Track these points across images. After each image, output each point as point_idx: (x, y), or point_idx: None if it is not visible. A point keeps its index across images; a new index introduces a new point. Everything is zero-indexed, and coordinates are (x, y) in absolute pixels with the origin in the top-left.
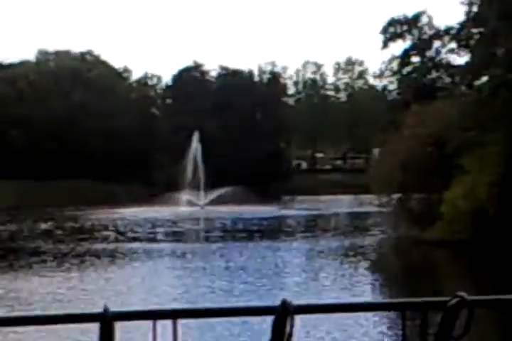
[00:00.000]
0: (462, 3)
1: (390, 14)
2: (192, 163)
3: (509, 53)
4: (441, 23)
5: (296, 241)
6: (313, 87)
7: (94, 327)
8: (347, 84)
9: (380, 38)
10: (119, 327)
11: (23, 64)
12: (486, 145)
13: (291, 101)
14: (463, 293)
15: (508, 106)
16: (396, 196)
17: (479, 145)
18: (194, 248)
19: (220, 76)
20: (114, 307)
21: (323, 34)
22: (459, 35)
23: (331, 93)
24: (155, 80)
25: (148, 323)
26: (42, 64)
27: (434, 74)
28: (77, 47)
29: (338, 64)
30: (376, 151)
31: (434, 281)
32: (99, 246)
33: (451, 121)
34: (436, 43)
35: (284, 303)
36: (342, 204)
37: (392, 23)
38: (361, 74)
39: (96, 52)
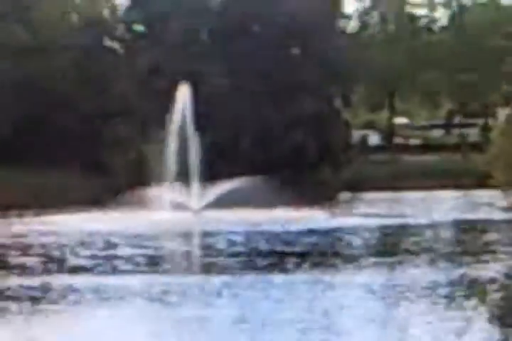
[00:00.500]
0: None
1: None
2: (177, 136)
3: None
4: None
5: (363, 273)
6: (390, 0)
7: None
8: None
9: None
10: None
11: None
12: None
13: (352, 26)
14: None
15: None
16: None
17: None
18: (183, 283)
19: None
20: None
21: None
22: None
23: (421, 12)
24: None
25: None
26: None
27: None
28: None
29: None
30: (502, 114)
31: None
32: (15, 281)
33: None
34: None
35: None
36: (441, 206)
37: None
38: None
39: None
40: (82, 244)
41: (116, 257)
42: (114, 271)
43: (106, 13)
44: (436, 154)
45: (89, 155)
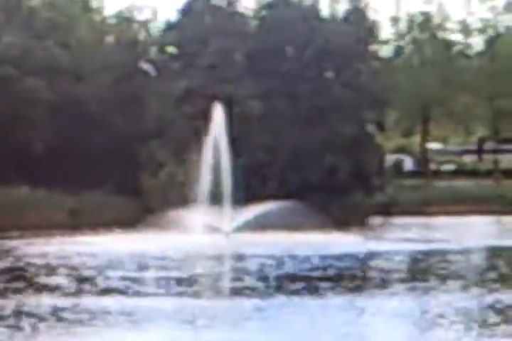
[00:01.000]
0: None
1: None
2: (210, 158)
3: None
4: None
5: (396, 297)
6: (424, 26)
7: None
8: (485, 21)
9: None
10: None
11: None
12: None
13: (386, 51)
14: None
15: None
16: None
17: None
18: (214, 307)
19: (261, 7)
20: None
21: None
22: None
23: (455, 37)
24: (145, 14)
25: None
26: None
27: None
28: None
29: None
30: None
31: None
32: (45, 301)
33: None
34: None
35: None
36: (475, 231)
37: None
38: None
39: None
40: (115, 264)
41: (147, 279)
42: (145, 293)
43: (141, 35)
44: (469, 179)
45: (123, 177)
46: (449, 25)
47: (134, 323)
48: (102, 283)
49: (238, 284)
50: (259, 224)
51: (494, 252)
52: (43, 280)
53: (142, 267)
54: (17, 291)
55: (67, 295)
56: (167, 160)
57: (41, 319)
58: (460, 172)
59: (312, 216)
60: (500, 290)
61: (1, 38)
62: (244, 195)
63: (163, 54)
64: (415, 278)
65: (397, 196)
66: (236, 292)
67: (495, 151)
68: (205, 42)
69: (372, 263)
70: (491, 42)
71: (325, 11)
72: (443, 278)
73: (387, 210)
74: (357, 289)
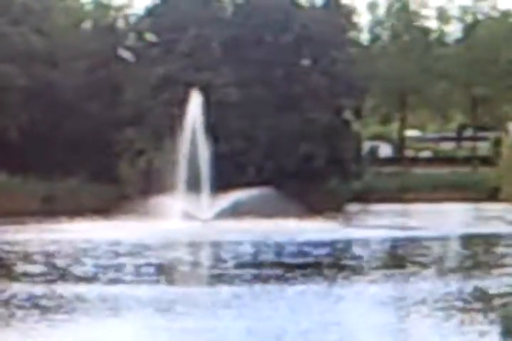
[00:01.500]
0: None
1: None
2: (188, 145)
3: None
4: None
5: (373, 284)
6: (402, 13)
7: None
8: (463, 9)
9: None
10: None
11: None
12: None
13: (363, 38)
14: None
15: None
16: None
17: None
18: (191, 294)
19: None
20: None
21: None
22: None
23: (433, 25)
24: (123, 1)
25: None
26: None
27: None
28: None
29: None
30: None
31: None
32: (20, 288)
33: None
34: None
35: None
36: (450, 219)
37: None
38: None
39: None
40: (90, 252)
41: (123, 266)
42: (121, 280)
43: (118, 22)
44: (446, 166)
45: (100, 164)
46: (426, 12)
47: (111, 310)
48: (77, 270)
49: (215, 271)
50: (237, 211)
51: (471, 239)
52: (18, 267)
53: (118, 254)
54: None
55: (42, 282)
56: (145, 147)
57: (17, 306)
58: (437, 159)
59: (289, 203)
60: (477, 277)
61: None
62: (222, 182)
63: (141, 41)
64: (391, 265)
65: (374, 183)
66: (213, 279)
67: (473, 139)
68: (183, 29)
69: (349, 249)
70: (469, 30)
71: None
72: (419, 265)
73: (365, 197)
74: (334, 276)
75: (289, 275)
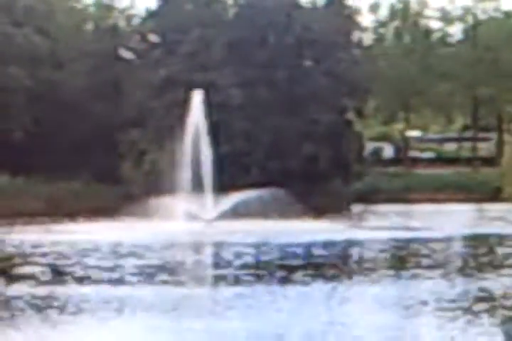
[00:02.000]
0: None
1: None
2: (191, 146)
3: None
4: None
5: (377, 284)
6: (404, 14)
7: None
8: (465, 9)
9: None
10: None
11: None
12: None
13: (367, 39)
14: None
15: None
16: None
17: None
18: (194, 295)
19: None
20: None
21: None
22: None
23: (435, 25)
24: (125, 2)
25: None
26: None
27: None
28: None
29: None
30: None
31: None
32: (23, 289)
33: None
34: None
35: None
36: (454, 219)
37: None
38: None
39: None
40: (93, 253)
41: (125, 268)
42: (123, 282)
43: (121, 23)
44: (449, 167)
45: (103, 165)
46: (428, 12)
47: (114, 312)
48: (80, 271)
49: (219, 272)
50: (240, 212)
51: (475, 240)
52: (20, 269)
53: (122, 255)
54: None
55: (45, 283)
56: (148, 148)
57: (19, 308)
58: (439, 160)
59: (292, 204)
60: (482, 278)
61: None
62: (225, 183)
63: (144, 42)
64: (395, 266)
65: (377, 183)
66: (217, 280)
67: (476, 139)
68: (186, 30)
69: (353, 251)
70: (472, 30)
71: None
72: (421, 266)
73: (368, 198)
74: (338, 277)
75: (293, 276)
